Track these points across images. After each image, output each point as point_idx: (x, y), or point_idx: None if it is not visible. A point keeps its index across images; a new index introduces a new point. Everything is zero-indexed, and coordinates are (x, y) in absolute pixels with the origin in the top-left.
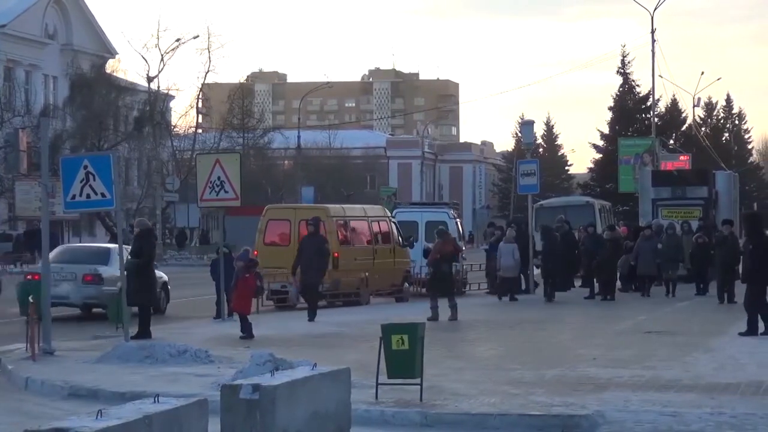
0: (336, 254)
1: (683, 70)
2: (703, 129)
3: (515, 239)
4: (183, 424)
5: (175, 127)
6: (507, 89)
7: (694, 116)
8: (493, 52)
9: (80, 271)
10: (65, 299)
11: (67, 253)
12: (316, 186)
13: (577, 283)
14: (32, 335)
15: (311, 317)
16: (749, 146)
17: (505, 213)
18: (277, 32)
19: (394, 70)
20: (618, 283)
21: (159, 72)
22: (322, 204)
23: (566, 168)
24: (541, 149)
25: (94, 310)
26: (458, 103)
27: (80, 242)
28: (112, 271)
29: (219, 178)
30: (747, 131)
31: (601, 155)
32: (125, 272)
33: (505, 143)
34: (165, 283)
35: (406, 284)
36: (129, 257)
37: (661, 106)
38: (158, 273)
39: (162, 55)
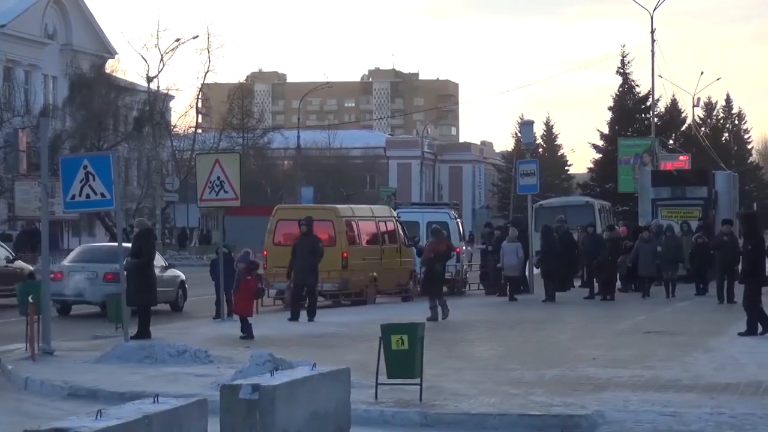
0: (345, 254)
1: (683, 70)
2: (702, 129)
3: (518, 239)
4: (182, 424)
5: (174, 127)
6: (507, 89)
7: (693, 116)
8: (492, 52)
9: (101, 270)
10: (86, 297)
11: (87, 253)
12: (316, 186)
13: (577, 283)
14: (32, 335)
15: (310, 318)
16: (749, 146)
17: (505, 213)
18: (276, 32)
19: (393, 70)
20: (618, 284)
21: (158, 72)
22: (322, 204)
23: (566, 168)
24: (540, 149)
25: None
26: (458, 103)
27: (80, 242)
28: None
29: (218, 178)
30: (747, 131)
31: (600, 155)
32: (125, 272)
33: (504, 143)
34: (183, 282)
35: (411, 283)
36: (129, 258)
37: (661, 106)
38: (176, 272)
39: (161, 55)
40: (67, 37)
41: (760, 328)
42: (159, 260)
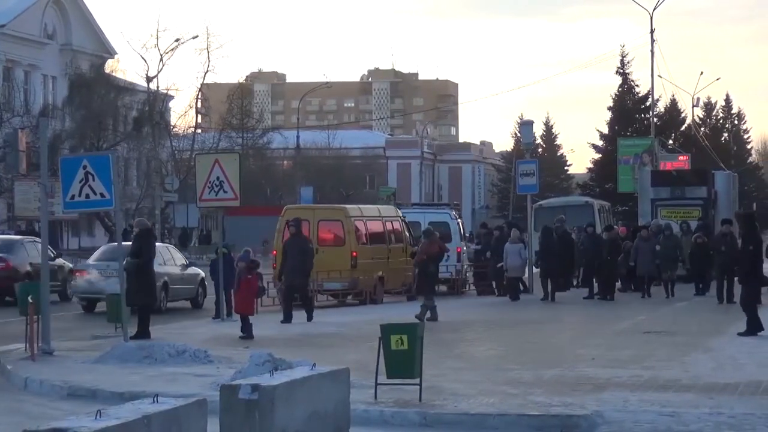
0: (354, 253)
1: (682, 70)
2: (702, 129)
3: (519, 239)
4: (182, 424)
5: (174, 127)
6: (506, 89)
7: (693, 116)
8: (492, 52)
9: None
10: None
11: (110, 252)
12: (315, 186)
13: (575, 283)
14: (31, 335)
15: (308, 318)
16: (748, 146)
17: (504, 213)
18: (276, 32)
19: (393, 70)
20: (617, 284)
21: (158, 72)
22: (322, 204)
23: (565, 168)
24: (540, 149)
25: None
26: (457, 103)
27: (79, 242)
28: (155, 267)
29: (218, 178)
30: (746, 131)
31: (600, 155)
32: (125, 272)
33: (504, 143)
34: (202, 279)
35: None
36: (128, 258)
37: (661, 106)
38: (196, 269)
39: (161, 55)
40: (67, 37)
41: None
42: (179, 258)
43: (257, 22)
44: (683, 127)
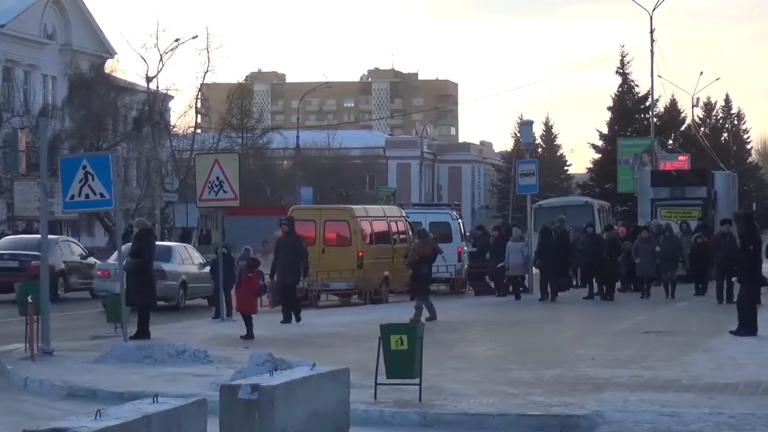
0: (360, 253)
1: (682, 70)
2: (702, 129)
3: (521, 237)
4: (182, 424)
5: (174, 127)
6: (506, 89)
7: (693, 116)
8: (492, 52)
9: None
10: None
11: None
12: (315, 186)
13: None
14: (31, 335)
15: (297, 319)
16: (748, 146)
17: (504, 213)
18: (276, 32)
19: (393, 70)
20: (617, 284)
21: (158, 72)
22: (322, 204)
23: (565, 168)
24: (540, 149)
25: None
26: (457, 103)
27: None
28: (174, 266)
29: (218, 178)
30: (746, 131)
31: (600, 155)
32: (125, 272)
33: (504, 143)
34: None
35: None
36: (128, 258)
37: (660, 106)
38: None
39: (161, 55)
40: (67, 37)
41: (735, 327)
42: (197, 258)
43: (257, 22)
44: (683, 127)
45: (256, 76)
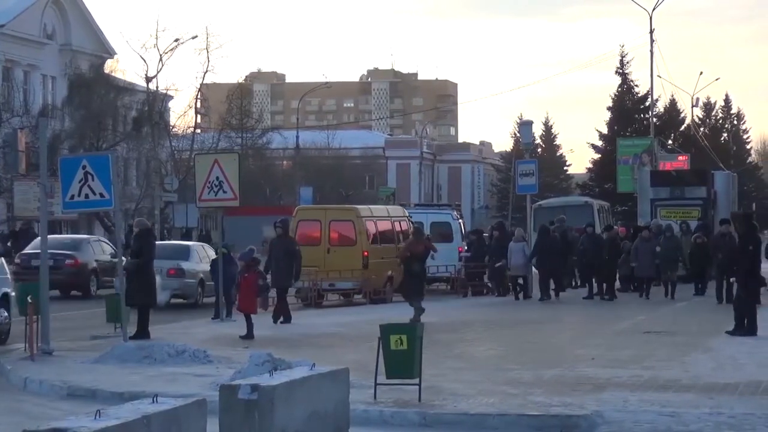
0: (366, 253)
1: (682, 70)
2: (701, 129)
3: (523, 238)
4: (182, 424)
5: (173, 127)
6: (506, 89)
7: (692, 116)
8: (491, 52)
9: (165, 266)
10: None
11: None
12: (315, 186)
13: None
14: (31, 335)
15: (286, 320)
16: (748, 146)
17: (504, 213)
18: (275, 32)
19: (392, 70)
20: (617, 284)
21: (157, 72)
22: (322, 204)
23: (565, 168)
24: (539, 149)
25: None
26: (457, 104)
27: None
28: (193, 265)
29: (217, 178)
30: (745, 131)
31: (599, 155)
32: (125, 272)
33: (503, 143)
34: None
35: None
36: (128, 258)
37: (660, 107)
38: None
39: (160, 55)
40: (66, 38)
41: (732, 328)
42: (214, 256)
43: (257, 22)
44: (683, 127)
45: (255, 76)
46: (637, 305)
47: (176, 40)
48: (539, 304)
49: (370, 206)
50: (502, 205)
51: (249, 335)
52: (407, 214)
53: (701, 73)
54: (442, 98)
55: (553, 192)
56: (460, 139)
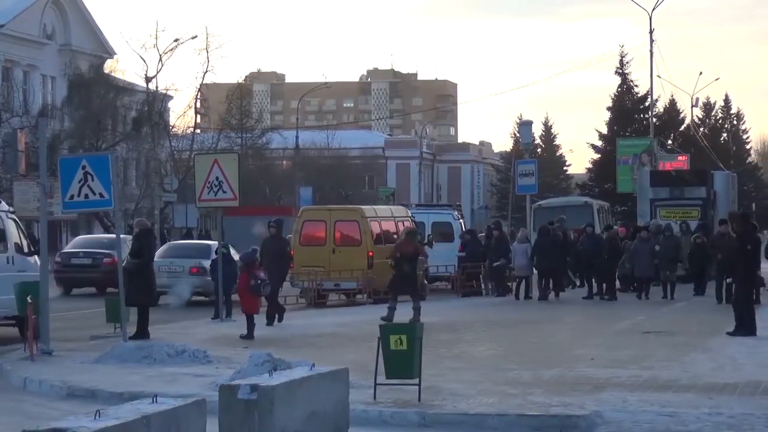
0: (371, 253)
1: (681, 70)
2: (701, 129)
3: (527, 238)
4: (181, 424)
5: (173, 127)
6: (505, 89)
7: (692, 116)
8: (491, 52)
9: (187, 264)
10: (174, 289)
11: (173, 249)
12: (315, 186)
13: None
14: (30, 335)
15: (279, 320)
16: (747, 146)
17: (503, 213)
18: (275, 32)
19: (392, 70)
20: (617, 284)
21: (157, 72)
22: (322, 204)
23: (564, 168)
24: (539, 149)
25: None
26: (456, 104)
27: None
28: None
29: (217, 178)
30: (745, 131)
31: (599, 155)
32: (125, 272)
33: (503, 143)
34: None
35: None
36: (128, 258)
37: (660, 107)
38: None
39: (160, 56)
40: (66, 38)
41: (732, 329)
42: (233, 254)
43: (256, 22)
44: (682, 128)
45: (255, 76)
46: (637, 305)
47: (176, 40)
48: (539, 304)
49: (375, 207)
50: (502, 205)
51: (249, 335)
52: (410, 215)
53: (701, 73)
54: (441, 98)
55: (552, 192)
56: (460, 139)
